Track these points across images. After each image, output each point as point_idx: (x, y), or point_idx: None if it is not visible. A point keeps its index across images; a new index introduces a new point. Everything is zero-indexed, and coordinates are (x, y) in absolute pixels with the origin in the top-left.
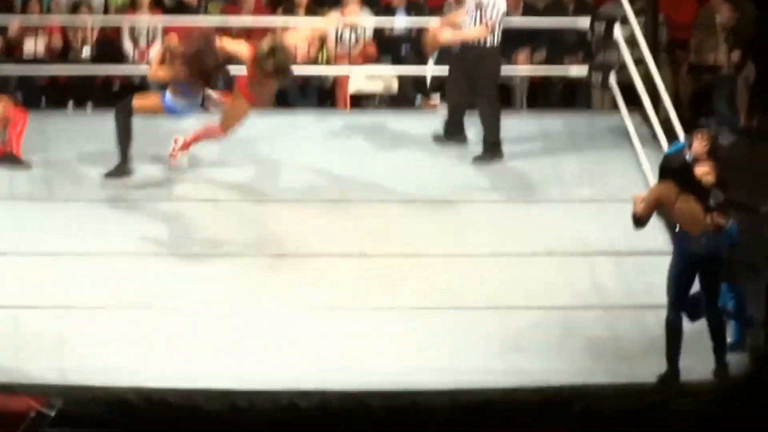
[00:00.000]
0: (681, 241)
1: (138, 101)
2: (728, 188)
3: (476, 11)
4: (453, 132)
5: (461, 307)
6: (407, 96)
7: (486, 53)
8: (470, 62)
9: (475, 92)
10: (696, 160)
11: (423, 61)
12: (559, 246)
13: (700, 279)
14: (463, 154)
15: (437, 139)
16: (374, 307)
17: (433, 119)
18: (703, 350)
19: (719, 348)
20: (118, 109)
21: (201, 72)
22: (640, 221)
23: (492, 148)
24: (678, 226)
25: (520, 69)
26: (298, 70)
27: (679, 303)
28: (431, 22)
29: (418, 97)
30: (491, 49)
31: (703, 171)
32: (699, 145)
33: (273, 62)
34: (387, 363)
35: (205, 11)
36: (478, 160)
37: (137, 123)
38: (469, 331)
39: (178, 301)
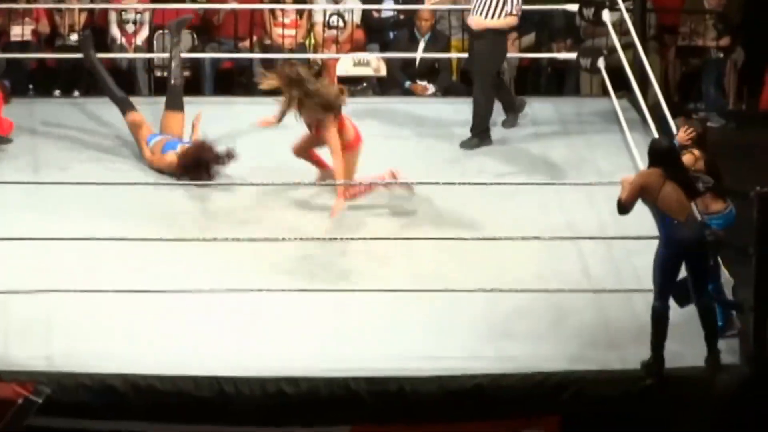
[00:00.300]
0: (667, 227)
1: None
2: (720, 175)
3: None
4: (511, 109)
5: (449, 291)
6: (396, 80)
7: (487, 37)
8: (474, 48)
9: (472, 74)
10: (683, 147)
11: (412, 46)
12: (547, 230)
13: (687, 266)
14: (451, 139)
15: (508, 123)
16: (361, 291)
17: (421, 104)
18: (693, 336)
19: (710, 334)
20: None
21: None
22: (624, 207)
23: (481, 135)
24: (664, 212)
25: (509, 54)
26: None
27: (666, 291)
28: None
29: (407, 82)
30: (494, 33)
31: (689, 159)
32: (683, 133)
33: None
34: (374, 349)
35: None
36: (466, 144)
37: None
38: (457, 316)
39: (165, 286)
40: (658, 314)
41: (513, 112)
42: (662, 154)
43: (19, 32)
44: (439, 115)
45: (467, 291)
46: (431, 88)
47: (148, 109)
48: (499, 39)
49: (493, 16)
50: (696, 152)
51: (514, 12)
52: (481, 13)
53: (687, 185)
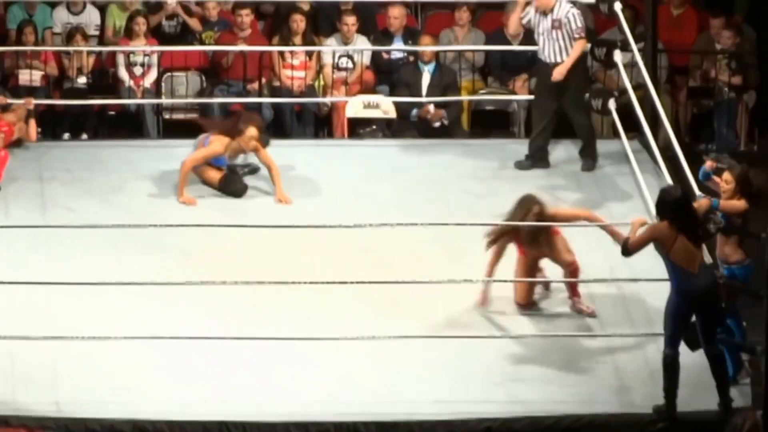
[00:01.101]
0: (679, 278)
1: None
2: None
3: (553, 32)
4: (537, 157)
5: (460, 337)
6: (403, 113)
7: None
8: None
9: (566, 108)
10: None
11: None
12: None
13: (696, 315)
14: (463, 182)
15: (520, 165)
16: (372, 335)
17: (432, 150)
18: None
19: (720, 382)
20: None
21: None
22: (629, 252)
23: (593, 153)
24: (675, 264)
25: (519, 95)
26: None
27: (677, 338)
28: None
29: (414, 111)
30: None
31: (703, 204)
32: (726, 186)
33: None
34: (384, 393)
35: (200, 41)
36: (587, 167)
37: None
38: (468, 360)
39: (173, 332)
40: (670, 361)
41: (535, 159)
42: (672, 206)
43: (27, 77)
44: (449, 158)
45: (478, 337)
46: (443, 113)
47: (157, 151)
48: (578, 64)
49: (566, 51)
50: (704, 202)
51: (581, 35)
52: (555, 56)
53: (695, 234)
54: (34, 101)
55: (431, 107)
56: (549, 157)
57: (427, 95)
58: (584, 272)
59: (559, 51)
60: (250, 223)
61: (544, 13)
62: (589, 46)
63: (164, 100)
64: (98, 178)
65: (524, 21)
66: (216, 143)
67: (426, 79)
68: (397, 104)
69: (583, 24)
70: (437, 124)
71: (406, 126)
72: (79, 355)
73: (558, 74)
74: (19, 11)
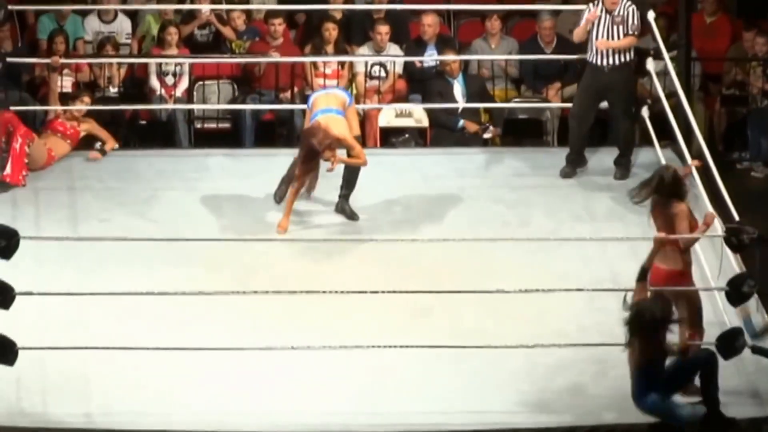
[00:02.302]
0: None
1: None
2: None
3: (614, 27)
4: (575, 160)
5: (490, 347)
6: (447, 124)
7: (620, 69)
8: (605, 83)
9: (614, 112)
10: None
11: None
12: (590, 282)
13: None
14: (494, 191)
15: (565, 174)
16: (400, 346)
17: (464, 159)
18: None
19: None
20: None
21: None
22: (643, 275)
23: (627, 165)
24: None
25: (552, 104)
26: None
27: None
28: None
29: (461, 121)
30: (627, 64)
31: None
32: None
33: None
34: (416, 403)
35: (231, 50)
36: (620, 175)
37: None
38: (499, 370)
39: (204, 343)
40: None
41: (576, 163)
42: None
43: (58, 84)
44: (482, 167)
45: (509, 347)
46: (499, 130)
47: (189, 161)
48: (628, 68)
49: (623, 52)
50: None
51: (635, 32)
52: (610, 56)
53: None
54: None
55: (491, 127)
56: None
57: (463, 109)
58: (617, 281)
59: (619, 52)
60: (280, 237)
61: (608, 11)
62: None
63: (195, 106)
64: (130, 189)
65: (589, 26)
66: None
67: (458, 90)
68: (433, 114)
69: (639, 24)
70: (487, 136)
71: (443, 135)
72: (110, 366)
73: (603, 44)
74: (50, 22)
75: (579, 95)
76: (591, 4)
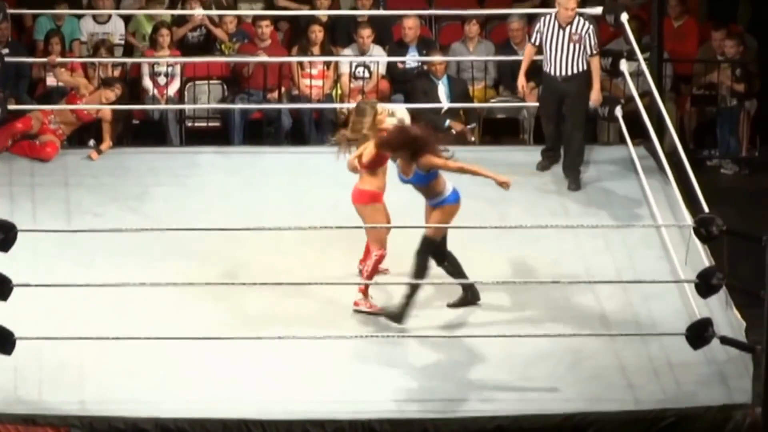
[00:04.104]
0: None
1: None
2: None
3: (570, 44)
4: (551, 155)
5: (470, 336)
6: (435, 124)
7: (578, 79)
8: (560, 91)
9: (567, 121)
10: None
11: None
12: (565, 275)
13: None
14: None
15: (542, 167)
16: (383, 335)
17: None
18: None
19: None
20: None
21: None
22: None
23: (580, 171)
24: None
25: (529, 103)
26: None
27: None
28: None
29: (447, 121)
30: (579, 75)
31: None
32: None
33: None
34: (398, 391)
35: (221, 52)
36: (573, 186)
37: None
38: (478, 359)
39: (195, 332)
40: None
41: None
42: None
43: (53, 81)
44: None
45: (488, 336)
46: (472, 125)
47: (180, 158)
48: (581, 79)
49: (579, 65)
50: None
51: (598, 51)
52: (566, 69)
53: None
54: (57, 59)
55: (469, 128)
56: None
57: (449, 109)
58: (592, 275)
59: (572, 64)
60: (267, 229)
61: (561, 26)
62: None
63: (186, 106)
64: (123, 185)
65: (537, 43)
66: None
67: (442, 91)
68: (417, 113)
69: (597, 42)
70: (472, 139)
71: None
72: (104, 355)
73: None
74: (47, 22)
75: (541, 102)
76: (542, 20)
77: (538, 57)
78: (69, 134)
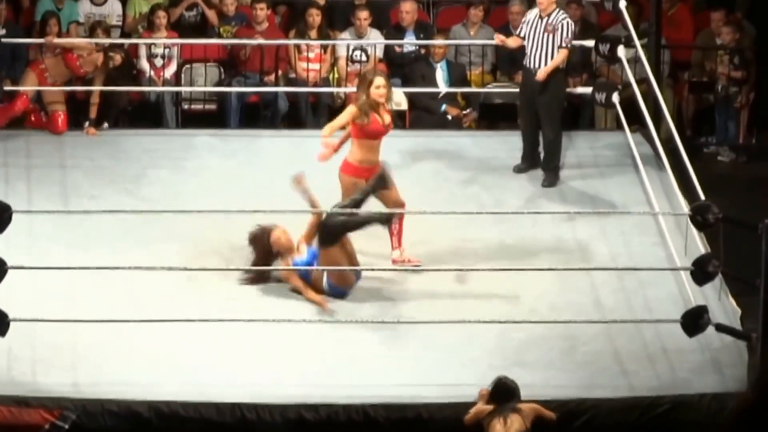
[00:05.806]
0: None
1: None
2: None
3: (545, 35)
4: (528, 158)
5: (464, 321)
6: (430, 107)
7: (554, 76)
8: (536, 86)
9: (541, 116)
10: None
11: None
12: (561, 261)
13: None
14: (469, 172)
15: (518, 169)
16: (379, 320)
17: (441, 141)
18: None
19: None
20: None
21: None
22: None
23: (555, 170)
24: None
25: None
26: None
27: None
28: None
29: (443, 105)
30: (557, 70)
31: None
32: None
33: None
34: (392, 377)
35: (219, 35)
36: (547, 183)
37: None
38: (473, 345)
39: (189, 314)
40: None
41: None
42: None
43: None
44: (458, 149)
45: (483, 322)
46: (469, 112)
47: (176, 140)
48: (559, 75)
49: (552, 58)
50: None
51: (567, 46)
52: (540, 62)
53: None
54: (54, 39)
55: (467, 113)
56: (539, 157)
57: (447, 94)
58: (588, 262)
59: (545, 57)
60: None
61: (540, 17)
62: (593, 43)
63: (182, 88)
64: (119, 167)
65: (521, 34)
66: None
67: (440, 76)
68: (416, 97)
69: (572, 36)
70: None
71: (422, 118)
72: (98, 338)
73: (541, 75)
74: (48, 4)
75: (519, 95)
76: (530, 11)
77: None
78: (62, 82)
